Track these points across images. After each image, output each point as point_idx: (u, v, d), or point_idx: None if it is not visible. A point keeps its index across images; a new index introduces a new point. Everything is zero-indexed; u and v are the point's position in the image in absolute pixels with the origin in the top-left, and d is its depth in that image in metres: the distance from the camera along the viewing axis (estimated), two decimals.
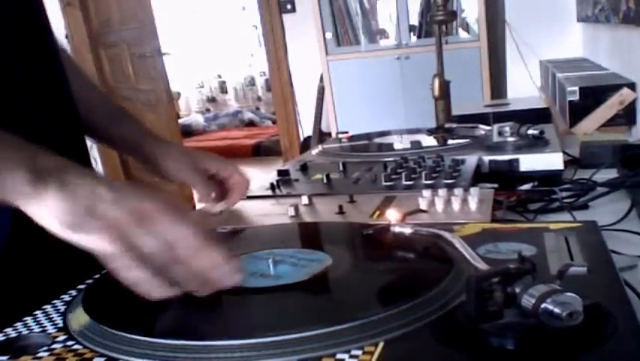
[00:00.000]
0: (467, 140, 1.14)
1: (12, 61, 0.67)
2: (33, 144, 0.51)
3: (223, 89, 6.64)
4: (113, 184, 0.50)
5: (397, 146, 1.23)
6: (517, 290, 0.39)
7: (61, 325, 0.48)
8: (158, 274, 0.47)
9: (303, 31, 3.63)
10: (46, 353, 0.43)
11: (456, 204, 0.74)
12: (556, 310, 0.37)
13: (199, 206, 0.87)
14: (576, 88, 1.71)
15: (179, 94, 6.33)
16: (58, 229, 0.47)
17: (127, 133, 0.84)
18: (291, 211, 0.77)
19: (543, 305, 0.38)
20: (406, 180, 0.88)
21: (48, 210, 0.48)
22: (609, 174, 0.93)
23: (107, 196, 0.48)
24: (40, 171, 0.49)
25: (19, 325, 0.49)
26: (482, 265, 0.48)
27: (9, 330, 0.48)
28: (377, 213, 0.75)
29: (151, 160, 0.83)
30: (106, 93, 0.92)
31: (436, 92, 1.45)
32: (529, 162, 0.95)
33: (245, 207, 0.85)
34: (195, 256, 0.48)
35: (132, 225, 0.47)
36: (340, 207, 0.77)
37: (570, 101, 1.71)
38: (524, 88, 2.90)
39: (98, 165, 3.66)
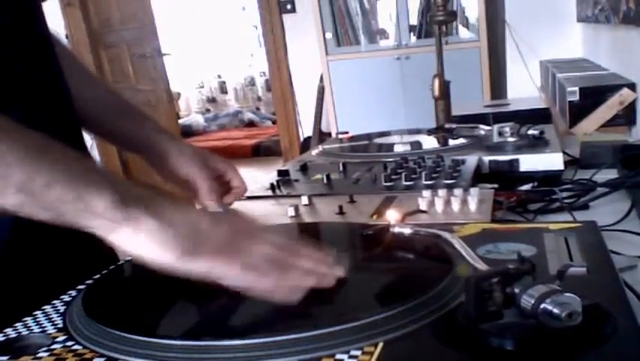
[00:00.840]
0: (467, 140, 1.14)
1: (11, 61, 0.67)
2: (111, 171, 0.51)
3: (223, 90, 6.63)
4: (201, 211, 0.51)
5: (397, 146, 1.23)
6: (517, 291, 0.39)
7: (61, 325, 0.48)
8: (281, 278, 0.48)
9: (303, 31, 3.63)
10: (46, 354, 0.43)
11: (456, 205, 0.74)
12: (556, 310, 0.37)
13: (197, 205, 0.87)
14: (576, 88, 1.71)
15: (179, 94, 6.33)
16: (171, 257, 0.46)
17: (135, 131, 0.84)
18: (291, 211, 0.77)
19: (542, 306, 0.38)
20: (405, 181, 0.88)
21: (149, 238, 0.46)
22: (609, 174, 0.93)
23: (203, 221, 0.48)
24: (128, 197, 0.46)
25: (19, 325, 0.49)
26: (482, 266, 0.49)
27: (9, 330, 0.48)
28: (377, 213, 0.75)
29: (159, 158, 0.82)
30: (112, 89, 0.91)
31: (436, 93, 1.45)
32: (530, 162, 0.95)
33: (245, 207, 0.85)
34: (300, 256, 0.50)
35: (238, 240, 0.48)
36: (340, 207, 0.77)
37: (570, 102, 1.71)
38: (524, 88, 2.90)
39: None
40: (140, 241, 0.45)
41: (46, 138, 0.47)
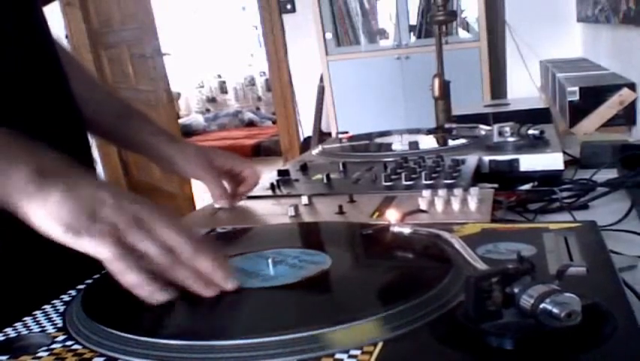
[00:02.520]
0: (467, 140, 1.14)
1: (14, 64, 0.67)
2: (37, 142, 0.51)
3: (223, 89, 6.64)
4: (114, 190, 0.51)
5: (397, 146, 1.23)
6: (516, 290, 0.39)
7: (60, 325, 0.48)
8: (157, 277, 0.48)
9: (303, 32, 3.63)
10: (45, 353, 0.43)
11: (456, 205, 0.74)
12: (555, 310, 0.37)
13: (205, 203, 0.87)
14: (576, 88, 1.71)
15: (179, 94, 6.33)
16: (59, 232, 0.48)
17: (137, 134, 0.84)
18: (291, 211, 0.77)
19: (542, 305, 0.38)
20: (405, 181, 0.88)
21: (49, 212, 0.48)
22: (609, 174, 0.93)
23: (109, 201, 0.49)
24: (45, 171, 0.49)
25: (18, 325, 0.49)
26: (481, 265, 0.49)
27: (9, 330, 0.48)
28: (377, 213, 0.75)
29: (165, 159, 0.83)
30: (114, 92, 0.92)
31: (436, 93, 1.45)
32: (530, 162, 0.95)
33: (245, 207, 0.85)
34: (194, 258, 0.49)
35: (132, 229, 0.49)
36: (340, 207, 0.77)
37: (570, 101, 1.71)
38: (524, 88, 2.90)
39: (98, 166, 3.66)
40: (42, 212, 0.48)
41: None
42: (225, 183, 0.84)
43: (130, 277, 0.48)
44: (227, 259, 0.54)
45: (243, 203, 0.86)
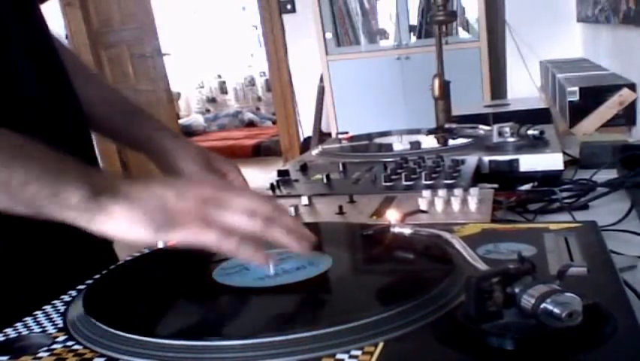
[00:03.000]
0: (467, 140, 1.14)
1: (15, 65, 0.67)
2: (78, 159, 0.52)
3: (223, 90, 6.63)
4: (164, 183, 0.53)
5: (397, 146, 1.23)
6: (517, 290, 0.39)
7: (61, 325, 0.48)
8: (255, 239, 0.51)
9: (303, 32, 3.63)
10: (46, 354, 0.43)
11: (456, 205, 0.74)
12: (556, 310, 0.37)
13: None
14: (576, 88, 1.71)
15: (179, 94, 6.33)
16: (146, 234, 0.49)
17: (138, 130, 0.84)
18: (291, 211, 0.77)
19: (543, 305, 0.38)
20: (405, 181, 0.88)
21: (122, 222, 0.49)
22: (609, 174, 0.93)
23: (169, 193, 0.51)
24: (99, 187, 0.50)
25: (19, 325, 0.49)
26: (482, 266, 0.49)
27: (9, 330, 0.48)
28: (377, 213, 0.75)
29: (164, 158, 0.82)
30: (114, 88, 0.91)
31: (436, 93, 1.45)
32: (529, 162, 0.95)
33: None
34: (279, 216, 0.52)
35: (212, 209, 0.51)
36: (340, 207, 0.77)
37: (570, 102, 1.71)
38: (524, 88, 2.91)
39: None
40: (115, 225, 0.49)
41: (22, 137, 0.50)
42: None
43: (246, 249, 0.50)
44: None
45: None
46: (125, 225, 0.49)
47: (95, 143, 0.83)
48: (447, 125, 1.30)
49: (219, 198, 0.51)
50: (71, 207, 0.49)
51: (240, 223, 0.51)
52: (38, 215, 0.49)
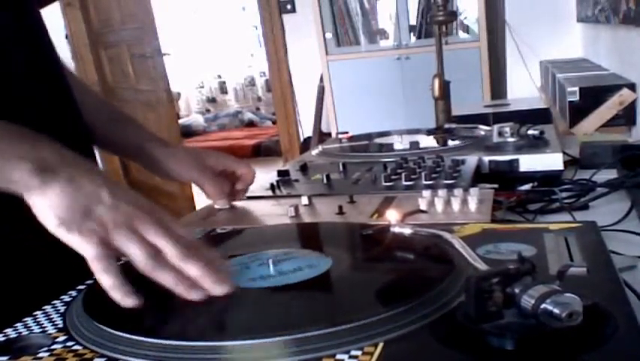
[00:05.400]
0: (467, 140, 1.14)
1: (15, 62, 0.67)
2: (39, 134, 0.52)
3: (223, 90, 6.63)
4: (115, 189, 0.52)
5: (397, 146, 1.23)
6: (517, 291, 0.39)
7: (61, 325, 0.48)
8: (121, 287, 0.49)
9: (303, 32, 3.63)
10: (46, 354, 0.43)
11: (456, 205, 0.74)
12: (556, 310, 0.37)
13: (205, 204, 0.87)
14: (576, 88, 1.71)
15: (179, 94, 6.33)
16: (53, 225, 0.49)
17: (128, 137, 0.84)
18: (291, 212, 0.77)
19: (543, 306, 0.38)
20: (405, 181, 0.88)
21: (49, 204, 0.49)
22: (609, 174, 0.93)
23: (106, 200, 0.50)
24: (48, 164, 0.50)
25: (19, 325, 0.49)
26: (482, 266, 0.49)
27: (9, 330, 0.48)
28: (377, 213, 0.75)
29: (155, 164, 0.83)
30: (103, 98, 0.92)
31: (436, 93, 1.45)
32: (529, 162, 0.95)
33: (245, 207, 0.85)
34: (182, 261, 0.50)
35: (121, 230, 0.50)
36: (340, 207, 0.77)
37: (570, 102, 1.71)
38: (524, 88, 2.91)
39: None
40: (42, 204, 0.50)
41: None
42: (221, 183, 0.84)
43: (105, 279, 0.49)
44: (224, 262, 0.54)
45: (242, 203, 0.86)
46: (45, 207, 0.49)
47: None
48: (447, 125, 1.30)
49: (140, 225, 0.50)
50: (12, 182, 0.50)
51: (134, 256, 0.50)
52: None
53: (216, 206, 0.84)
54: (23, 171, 0.50)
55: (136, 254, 0.50)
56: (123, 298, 0.48)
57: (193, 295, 0.49)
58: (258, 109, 6.52)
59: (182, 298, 0.49)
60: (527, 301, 0.38)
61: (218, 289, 0.49)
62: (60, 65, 0.75)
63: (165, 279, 0.49)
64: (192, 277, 0.50)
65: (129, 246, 0.50)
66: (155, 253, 0.50)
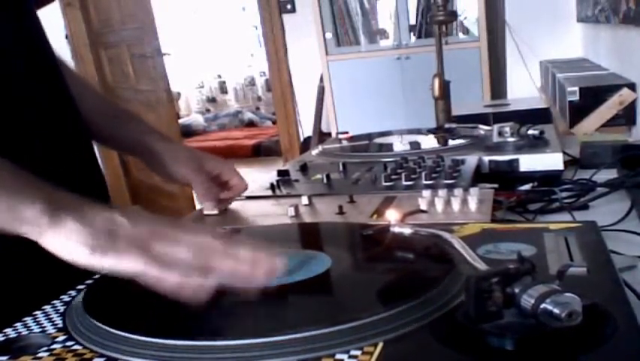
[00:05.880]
0: (467, 140, 1.14)
1: (15, 62, 0.67)
2: (48, 182, 0.52)
3: (223, 90, 6.63)
4: (127, 212, 0.51)
5: (397, 146, 1.23)
6: (517, 290, 0.39)
7: (60, 325, 0.48)
8: (192, 277, 0.48)
9: (303, 32, 3.63)
10: (45, 354, 0.43)
11: (456, 205, 0.74)
12: (556, 310, 0.37)
13: (198, 206, 0.87)
14: (576, 88, 1.71)
15: (179, 94, 6.33)
16: (85, 255, 0.48)
17: (129, 131, 0.84)
18: (291, 212, 0.77)
19: (542, 305, 0.38)
20: (405, 181, 0.88)
21: (69, 238, 0.48)
22: (609, 174, 0.93)
23: (124, 221, 0.49)
24: (57, 204, 0.49)
25: (18, 325, 0.49)
26: (482, 266, 0.49)
27: (9, 330, 0.48)
28: (377, 213, 0.75)
29: (154, 157, 0.83)
30: (105, 96, 0.92)
31: (436, 93, 1.45)
32: (529, 162, 0.95)
33: (245, 207, 0.85)
34: (230, 250, 0.49)
35: (156, 238, 0.49)
36: (340, 207, 0.77)
37: (570, 102, 1.71)
38: (524, 88, 2.90)
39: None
40: (60, 241, 0.48)
41: None
42: (212, 188, 0.84)
43: (169, 282, 0.47)
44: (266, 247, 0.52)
45: (242, 203, 0.86)
46: (67, 242, 0.48)
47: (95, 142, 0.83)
48: (447, 125, 1.30)
49: (170, 234, 0.49)
50: (24, 221, 0.49)
51: (182, 255, 0.48)
52: None
53: (205, 211, 0.84)
54: (32, 211, 0.49)
55: (183, 252, 0.48)
56: (197, 292, 0.47)
57: (254, 283, 0.48)
58: (258, 109, 6.52)
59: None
60: (527, 301, 0.38)
61: (269, 269, 0.48)
62: (58, 65, 0.75)
63: (225, 266, 0.48)
64: (244, 264, 0.48)
65: (172, 248, 0.48)
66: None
